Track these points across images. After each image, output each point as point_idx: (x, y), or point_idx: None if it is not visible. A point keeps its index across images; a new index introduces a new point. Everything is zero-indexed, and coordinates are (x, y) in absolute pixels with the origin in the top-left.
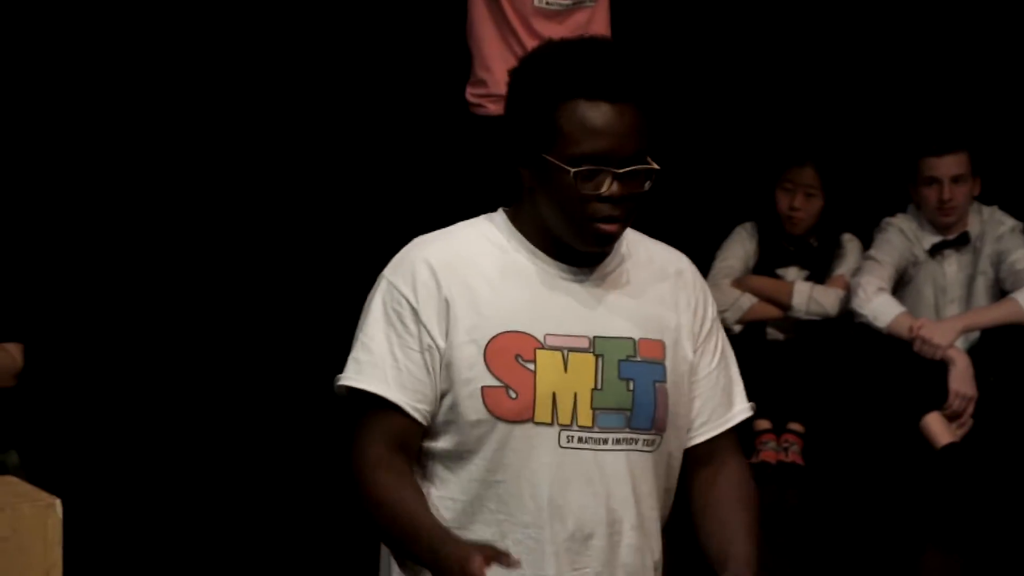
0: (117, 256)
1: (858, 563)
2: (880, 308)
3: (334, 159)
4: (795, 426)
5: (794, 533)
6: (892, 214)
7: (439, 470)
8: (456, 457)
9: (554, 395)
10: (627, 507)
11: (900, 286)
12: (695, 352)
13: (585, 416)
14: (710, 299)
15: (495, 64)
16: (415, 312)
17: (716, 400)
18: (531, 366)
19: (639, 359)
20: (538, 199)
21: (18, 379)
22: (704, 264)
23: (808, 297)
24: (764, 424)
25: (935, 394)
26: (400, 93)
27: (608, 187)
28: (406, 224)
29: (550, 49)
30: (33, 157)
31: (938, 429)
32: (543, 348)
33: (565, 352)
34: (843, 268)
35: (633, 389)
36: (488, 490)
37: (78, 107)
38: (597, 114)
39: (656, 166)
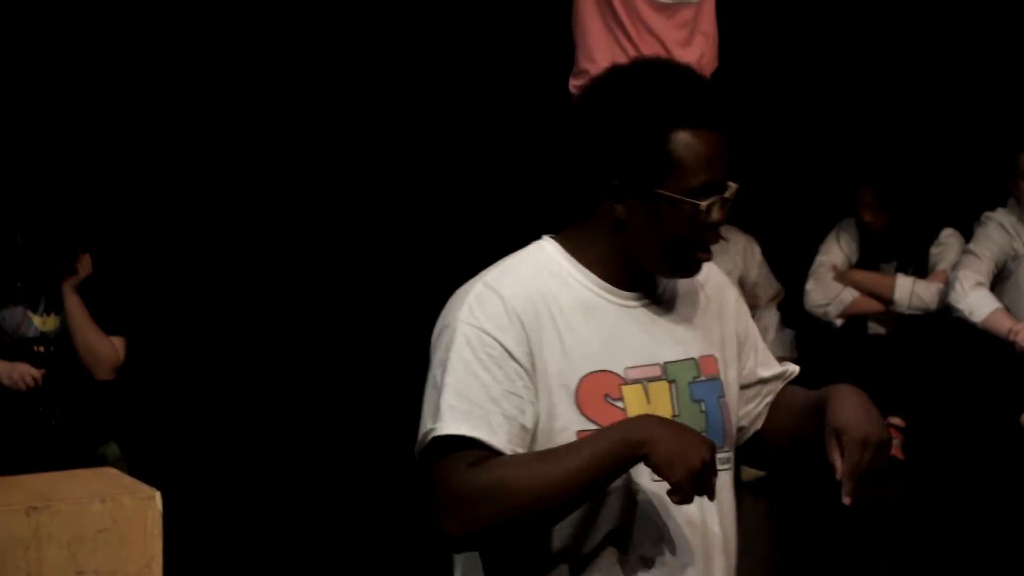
0: (219, 254)
1: (960, 558)
2: (976, 303)
3: (441, 152)
4: (896, 420)
5: (894, 527)
6: (992, 208)
7: None
8: None
9: None
10: (713, 527)
11: (1000, 280)
12: (741, 358)
13: None
14: (742, 299)
15: (600, 55)
16: (509, 354)
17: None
18: (620, 404)
19: (703, 378)
20: (633, 232)
21: (116, 373)
22: (808, 259)
23: (910, 292)
24: None
25: None
26: (502, 84)
27: (720, 215)
28: (511, 217)
29: (643, 78)
30: (136, 162)
31: None
32: (626, 383)
33: (645, 384)
34: (945, 263)
35: (705, 410)
36: (600, 515)
37: (177, 116)
38: (709, 143)
39: (736, 186)
